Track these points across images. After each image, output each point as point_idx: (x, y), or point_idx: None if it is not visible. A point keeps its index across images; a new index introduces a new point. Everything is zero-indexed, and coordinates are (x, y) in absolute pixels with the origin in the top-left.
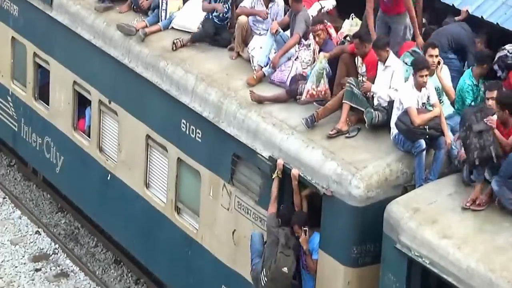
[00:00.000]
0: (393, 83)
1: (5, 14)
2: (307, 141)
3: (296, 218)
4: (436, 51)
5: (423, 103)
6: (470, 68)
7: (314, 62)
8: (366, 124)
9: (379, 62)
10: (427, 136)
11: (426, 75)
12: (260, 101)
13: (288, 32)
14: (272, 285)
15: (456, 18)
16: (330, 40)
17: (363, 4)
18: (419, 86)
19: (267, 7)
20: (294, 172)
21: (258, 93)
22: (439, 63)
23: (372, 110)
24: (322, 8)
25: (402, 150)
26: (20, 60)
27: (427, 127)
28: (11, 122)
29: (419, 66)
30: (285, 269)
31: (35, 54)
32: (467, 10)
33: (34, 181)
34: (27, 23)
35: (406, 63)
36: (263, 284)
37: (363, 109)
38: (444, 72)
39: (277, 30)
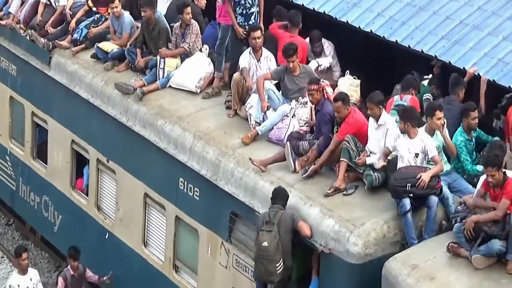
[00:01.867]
0: (387, 141)
1: (3, 73)
2: (305, 198)
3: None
4: (442, 114)
5: (416, 154)
6: (461, 124)
7: (311, 119)
8: (365, 187)
9: (370, 120)
10: (411, 195)
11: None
12: (264, 165)
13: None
14: (258, 268)
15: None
16: (326, 100)
17: (359, 59)
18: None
19: (258, 60)
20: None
21: (258, 156)
22: (443, 124)
23: (372, 173)
24: (319, 66)
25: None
26: (18, 119)
27: (409, 185)
28: (9, 181)
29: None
30: (265, 243)
31: (33, 113)
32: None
33: (32, 240)
34: (25, 82)
35: (396, 121)
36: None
37: (360, 171)
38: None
39: (268, 107)
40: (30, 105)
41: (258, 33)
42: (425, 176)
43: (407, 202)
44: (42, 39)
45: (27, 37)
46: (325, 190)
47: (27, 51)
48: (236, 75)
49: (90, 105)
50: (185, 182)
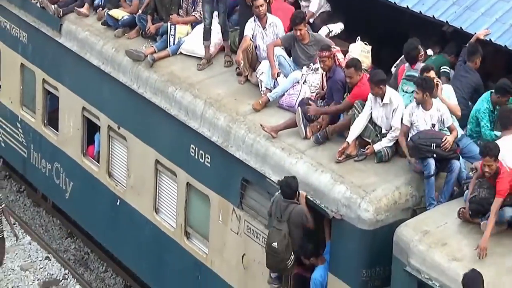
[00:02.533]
0: (395, 121)
1: (14, 41)
2: (316, 165)
3: (301, 250)
4: (432, 73)
5: (433, 124)
6: (490, 92)
7: (322, 86)
8: (375, 162)
9: (374, 97)
10: (434, 155)
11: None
12: (275, 132)
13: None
14: (268, 261)
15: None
16: (337, 67)
17: (369, 26)
18: (425, 106)
19: (263, 28)
20: (302, 193)
21: (269, 122)
22: (437, 85)
23: (382, 148)
24: (330, 32)
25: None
26: (29, 86)
27: (434, 145)
28: (21, 149)
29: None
30: (274, 244)
31: (44, 81)
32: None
33: (44, 207)
34: (36, 49)
35: (406, 91)
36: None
37: (369, 140)
38: (446, 92)
39: (278, 73)
40: (41, 72)
41: (260, 1)
42: (450, 138)
43: (432, 162)
44: (52, 6)
45: (38, 4)
46: (336, 156)
47: (38, 18)
48: (244, 41)
49: (101, 72)
50: (196, 149)
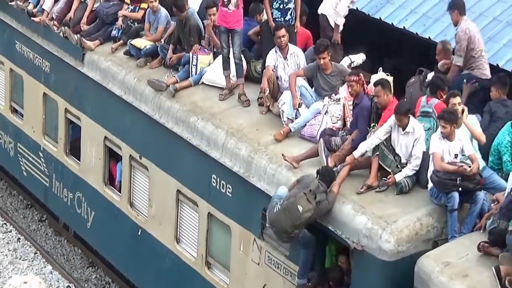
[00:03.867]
0: (416, 151)
1: (37, 70)
2: (338, 195)
3: (331, 275)
4: (458, 99)
5: (456, 155)
6: (510, 123)
7: (344, 116)
8: (396, 193)
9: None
10: (460, 189)
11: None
12: (297, 162)
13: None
14: (282, 216)
15: None
16: (365, 95)
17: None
18: (450, 137)
19: (285, 58)
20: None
21: (291, 153)
22: (463, 111)
23: (402, 178)
24: (352, 62)
25: (437, 203)
26: (51, 116)
27: (459, 179)
28: (43, 178)
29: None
30: (299, 207)
31: (66, 110)
32: None
33: (65, 236)
34: (59, 79)
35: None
36: (272, 215)
37: (390, 170)
38: (471, 119)
39: (300, 104)
40: (63, 102)
41: (282, 32)
42: (475, 168)
43: (456, 196)
44: (75, 36)
45: (61, 34)
46: (357, 187)
47: (61, 48)
48: (267, 71)
49: (123, 102)
50: (218, 179)
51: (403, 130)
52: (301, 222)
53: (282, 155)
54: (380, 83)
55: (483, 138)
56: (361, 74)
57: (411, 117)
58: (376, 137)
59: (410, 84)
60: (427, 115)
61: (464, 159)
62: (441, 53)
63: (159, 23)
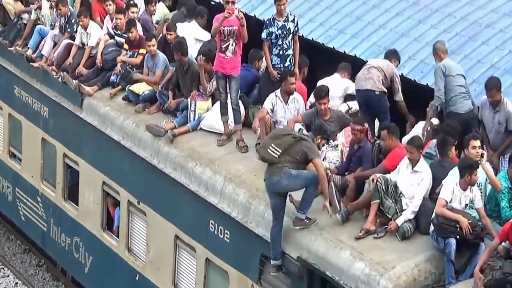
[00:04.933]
0: (420, 191)
1: (36, 115)
2: (335, 241)
3: None
4: (478, 142)
5: (466, 204)
6: (506, 170)
7: (341, 162)
8: (399, 239)
9: (406, 162)
10: (458, 236)
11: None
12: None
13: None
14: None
15: None
16: (368, 141)
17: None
18: (466, 185)
19: (286, 103)
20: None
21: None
22: (482, 155)
23: (404, 223)
24: (350, 108)
25: (436, 246)
26: (50, 160)
27: (459, 226)
28: (41, 222)
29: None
30: (289, 129)
31: (64, 155)
32: None
33: (63, 281)
34: (57, 124)
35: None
36: None
37: (390, 216)
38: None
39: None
40: (61, 147)
41: (293, 79)
42: (488, 225)
43: (453, 242)
44: (74, 81)
45: (59, 79)
46: (355, 232)
47: (59, 93)
48: (262, 114)
49: (122, 147)
50: (216, 224)
51: (412, 168)
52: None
53: (290, 196)
54: (388, 127)
55: (499, 184)
56: (366, 124)
57: (422, 157)
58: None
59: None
60: (430, 157)
61: (472, 208)
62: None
63: (157, 67)
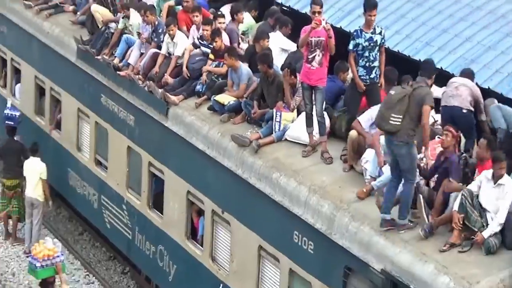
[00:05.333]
0: (506, 203)
1: (122, 124)
2: (420, 254)
3: None
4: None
5: None
6: None
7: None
8: (484, 253)
9: (487, 177)
10: None
11: None
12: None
13: None
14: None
15: None
16: (455, 154)
17: None
18: None
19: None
20: None
21: (374, 211)
22: None
23: (491, 236)
24: (435, 121)
25: None
26: (135, 169)
27: None
28: (126, 230)
29: None
30: (392, 91)
31: (150, 164)
32: None
33: None
34: (143, 132)
35: None
36: None
37: (475, 229)
38: None
39: (384, 162)
40: (147, 155)
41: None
42: None
43: None
44: (160, 90)
45: (145, 88)
46: (439, 245)
47: (145, 102)
48: (352, 133)
49: (206, 157)
50: (300, 235)
51: (495, 183)
52: (395, 101)
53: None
54: (488, 139)
55: None
56: (459, 131)
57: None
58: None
59: None
60: None
61: None
62: None
63: (241, 81)
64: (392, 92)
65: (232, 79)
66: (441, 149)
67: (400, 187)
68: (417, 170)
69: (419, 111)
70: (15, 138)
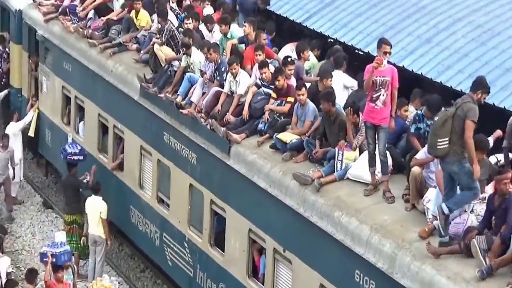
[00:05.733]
0: None
1: (184, 161)
2: None
3: None
4: None
5: None
6: None
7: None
8: None
9: None
10: None
11: None
12: (436, 254)
13: None
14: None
15: None
16: None
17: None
18: None
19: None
20: None
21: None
22: None
23: None
24: (498, 161)
25: None
26: (197, 207)
27: None
28: (187, 268)
29: None
30: (436, 118)
31: (211, 201)
32: None
33: None
34: (205, 170)
35: None
36: None
37: None
38: None
39: None
40: (209, 193)
41: None
42: None
43: None
44: (222, 128)
45: (208, 126)
46: (502, 286)
47: (207, 140)
48: (415, 169)
49: (268, 195)
50: (361, 274)
51: None
52: (439, 126)
53: (427, 243)
54: None
55: None
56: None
57: None
58: None
59: None
60: None
61: None
62: None
63: (307, 117)
64: (436, 118)
65: (297, 115)
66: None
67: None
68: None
69: (463, 126)
70: (73, 174)
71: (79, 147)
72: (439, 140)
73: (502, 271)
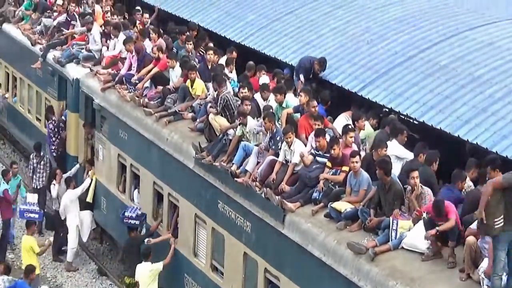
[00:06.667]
0: None
1: (238, 230)
2: None
3: None
4: None
5: None
6: None
7: None
8: None
9: None
10: None
11: None
12: None
13: None
14: None
15: None
16: None
17: None
18: None
19: None
20: None
21: None
22: None
23: None
24: None
25: None
26: (251, 275)
27: None
28: None
29: None
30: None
31: (266, 270)
32: None
33: None
34: (259, 239)
35: None
36: None
37: None
38: None
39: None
40: (263, 262)
41: None
42: None
43: None
44: (276, 197)
45: (262, 195)
46: None
47: (262, 209)
48: (470, 238)
49: (322, 264)
50: None
51: None
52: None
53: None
54: None
55: None
56: None
57: None
58: None
59: None
60: None
61: None
62: None
63: (361, 186)
64: (488, 197)
65: (351, 185)
66: None
67: None
68: None
69: None
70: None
71: (139, 212)
72: (495, 220)
73: None
